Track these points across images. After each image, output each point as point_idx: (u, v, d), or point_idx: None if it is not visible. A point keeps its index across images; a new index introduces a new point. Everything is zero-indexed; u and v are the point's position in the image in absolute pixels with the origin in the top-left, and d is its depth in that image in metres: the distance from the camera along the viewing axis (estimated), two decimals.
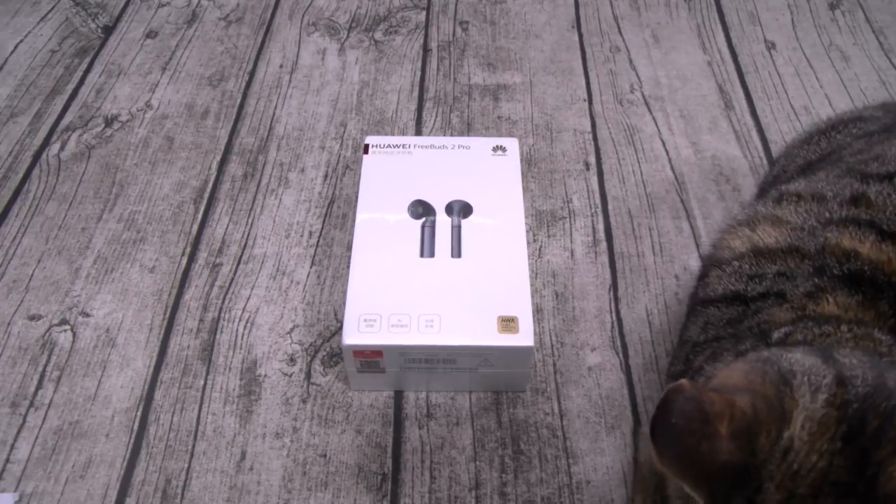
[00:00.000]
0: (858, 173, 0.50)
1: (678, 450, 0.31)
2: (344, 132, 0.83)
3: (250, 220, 0.74)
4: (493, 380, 0.59)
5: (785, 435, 0.30)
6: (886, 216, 0.45)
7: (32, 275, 0.69)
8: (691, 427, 0.31)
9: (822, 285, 0.43)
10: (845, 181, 0.49)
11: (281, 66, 0.91)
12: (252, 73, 0.91)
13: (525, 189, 0.76)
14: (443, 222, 0.62)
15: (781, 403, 0.31)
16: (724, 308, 0.47)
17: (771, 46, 0.94)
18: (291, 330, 0.65)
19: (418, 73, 0.90)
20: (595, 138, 0.83)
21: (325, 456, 0.57)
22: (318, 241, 0.72)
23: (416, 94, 0.88)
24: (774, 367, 0.33)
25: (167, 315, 0.66)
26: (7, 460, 0.57)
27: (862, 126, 0.61)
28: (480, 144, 0.68)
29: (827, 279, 0.43)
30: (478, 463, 0.57)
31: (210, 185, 0.78)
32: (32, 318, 0.66)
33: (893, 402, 0.30)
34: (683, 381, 0.32)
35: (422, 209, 0.63)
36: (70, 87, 0.88)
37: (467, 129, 0.84)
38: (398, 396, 0.61)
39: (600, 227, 0.74)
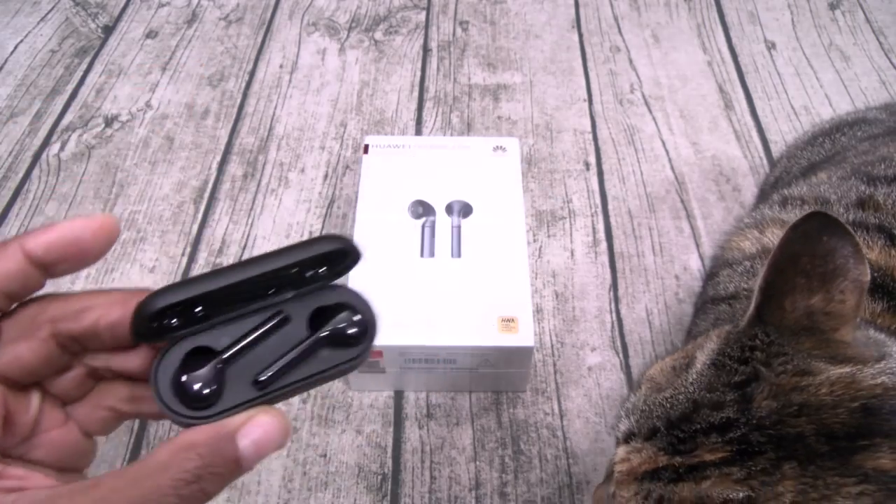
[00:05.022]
0: (864, 175, 0.49)
1: (798, 248, 0.32)
2: (344, 132, 0.83)
3: (250, 220, 0.74)
4: (493, 380, 0.59)
5: (819, 365, 0.30)
6: None
7: None
8: (822, 261, 0.31)
9: None
10: (850, 183, 0.49)
11: (281, 66, 0.91)
12: (252, 73, 0.90)
13: (525, 189, 0.76)
14: (443, 222, 0.62)
15: (862, 360, 0.30)
16: (736, 305, 0.47)
17: (771, 46, 0.94)
18: None
19: (418, 73, 0.90)
20: (595, 138, 0.83)
21: (325, 456, 0.57)
22: None
23: (416, 94, 0.88)
24: (876, 340, 0.33)
25: None
26: None
27: (866, 128, 0.60)
28: (480, 144, 0.68)
29: None
30: (478, 463, 0.57)
31: (210, 185, 0.78)
32: None
33: None
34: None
35: (422, 209, 0.63)
36: (70, 87, 0.88)
37: (467, 129, 0.84)
38: (398, 396, 0.61)
39: (600, 227, 0.74)
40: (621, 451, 0.33)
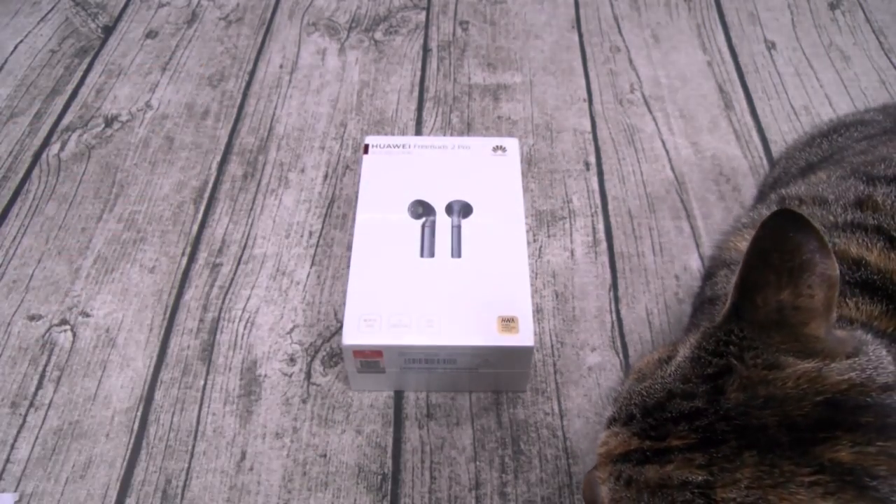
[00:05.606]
0: (864, 175, 0.49)
1: (767, 245, 0.32)
2: (344, 132, 0.83)
3: (250, 220, 0.74)
4: (493, 380, 0.59)
5: (787, 359, 0.31)
6: (895, 221, 0.44)
7: (32, 275, 0.69)
8: (789, 256, 0.32)
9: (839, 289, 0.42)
10: (849, 183, 0.49)
11: (281, 66, 0.91)
12: (252, 73, 0.90)
13: (525, 189, 0.76)
14: (443, 222, 0.62)
15: (832, 355, 0.31)
16: None
17: (771, 46, 0.94)
18: (291, 330, 0.65)
19: (418, 73, 0.90)
20: (595, 138, 0.83)
21: (325, 456, 0.57)
22: (318, 241, 0.72)
23: (416, 94, 0.88)
24: (856, 338, 0.33)
25: (167, 315, 0.66)
26: (7, 460, 0.57)
27: (863, 129, 0.60)
28: (480, 144, 0.68)
29: (843, 284, 0.42)
30: (478, 463, 0.57)
31: (210, 185, 0.78)
32: (32, 318, 0.66)
33: None
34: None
35: (422, 209, 0.63)
36: (70, 87, 0.88)
37: (467, 129, 0.84)
38: (398, 396, 0.61)
39: (600, 227, 0.74)
40: (603, 435, 0.35)
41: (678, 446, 0.31)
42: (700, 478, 0.29)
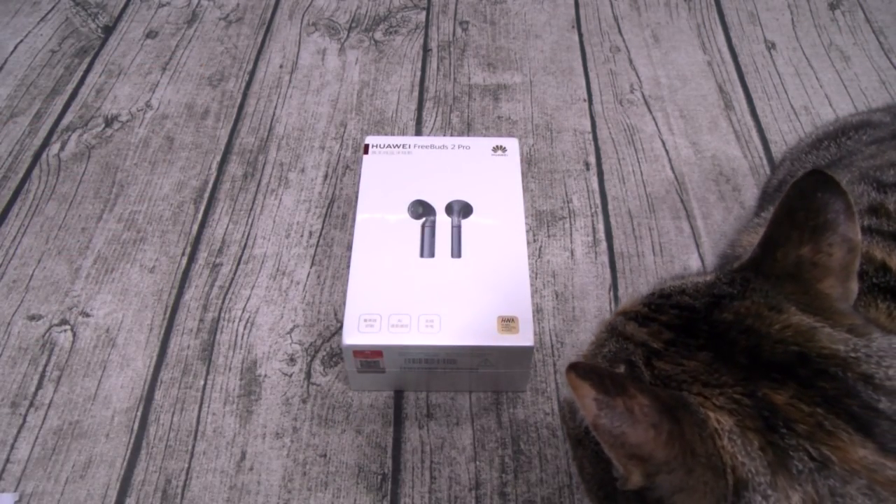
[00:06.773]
0: (874, 181, 0.49)
1: (795, 203, 0.34)
2: (344, 132, 0.83)
3: (250, 220, 0.74)
4: (493, 380, 0.59)
5: (789, 307, 0.32)
6: None
7: (32, 275, 0.69)
8: (814, 215, 0.33)
9: (862, 289, 0.41)
10: (861, 188, 0.49)
11: (281, 66, 0.91)
12: (252, 73, 0.90)
13: (525, 189, 0.76)
14: (443, 222, 0.62)
15: (834, 318, 0.32)
16: None
17: (771, 46, 0.94)
18: (291, 330, 0.65)
19: (418, 73, 0.90)
20: (595, 138, 0.83)
21: (325, 456, 0.57)
22: (318, 241, 0.72)
23: (416, 94, 0.88)
24: (876, 328, 0.34)
25: (167, 315, 0.66)
26: (7, 460, 0.57)
27: (871, 132, 0.60)
28: (480, 144, 0.68)
29: (867, 286, 0.41)
30: (478, 463, 0.57)
31: (210, 185, 0.78)
32: (32, 318, 0.66)
33: None
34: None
35: (422, 209, 0.63)
36: (70, 87, 0.88)
37: (467, 129, 0.84)
38: (398, 396, 0.61)
39: (600, 227, 0.74)
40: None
41: (660, 320, 0.34)
42: (656, 346, 0.33)
